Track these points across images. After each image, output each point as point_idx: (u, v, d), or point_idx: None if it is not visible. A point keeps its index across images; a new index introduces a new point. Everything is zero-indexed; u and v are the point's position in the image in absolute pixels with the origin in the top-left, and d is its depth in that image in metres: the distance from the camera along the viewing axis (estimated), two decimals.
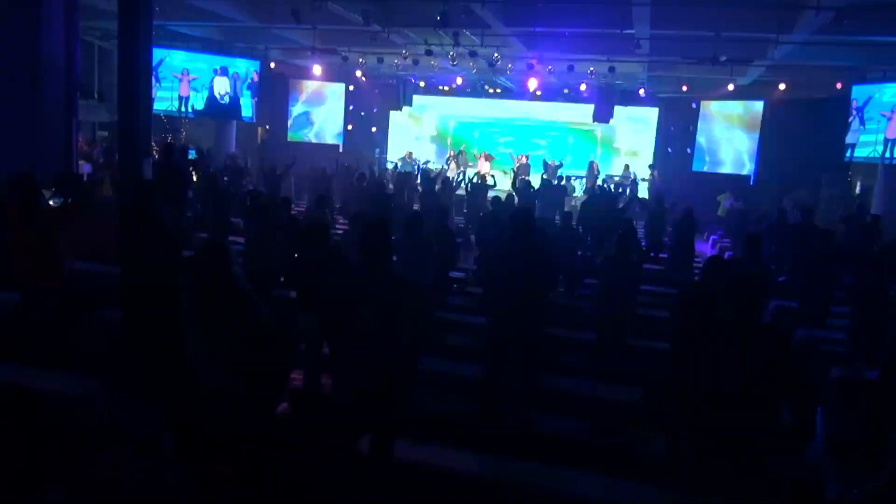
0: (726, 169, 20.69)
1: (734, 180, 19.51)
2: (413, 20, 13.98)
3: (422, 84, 21.52)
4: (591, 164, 21.31)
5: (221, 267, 3.49)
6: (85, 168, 11.30)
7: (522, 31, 14.41)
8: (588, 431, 4.50)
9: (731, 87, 17.76)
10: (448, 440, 4.18)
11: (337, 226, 11.85)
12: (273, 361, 3.59)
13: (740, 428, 3.26)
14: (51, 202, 9.44)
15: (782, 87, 18.26)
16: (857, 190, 19.71)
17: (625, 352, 5.93)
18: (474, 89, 22.06)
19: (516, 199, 13.18)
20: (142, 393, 4.67)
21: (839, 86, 16.76)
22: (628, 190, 17.79)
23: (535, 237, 4.94)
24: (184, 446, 3.85)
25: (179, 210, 8.70)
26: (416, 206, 14.55)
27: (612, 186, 15.98)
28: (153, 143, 15.89)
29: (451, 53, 16.35)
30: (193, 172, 9.89)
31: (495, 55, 16.29)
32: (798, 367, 3.16)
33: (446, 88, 22.17)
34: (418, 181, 16.62)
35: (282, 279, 8.01)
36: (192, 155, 10.76)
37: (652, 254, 11.98)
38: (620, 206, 12.96)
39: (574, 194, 17.93)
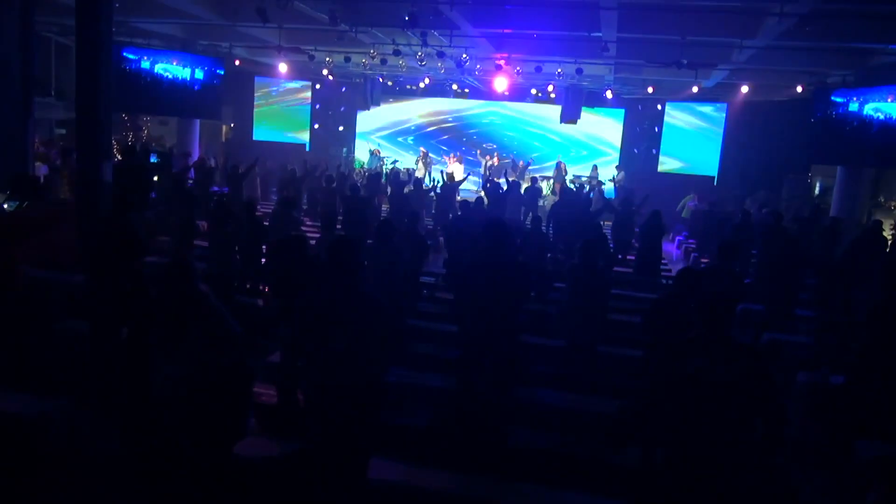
0: (691, 170, 20.97)
1: (698, 181, 19.78)
2: (381, 20, 13.84)
3: (389, 83, 21.38)
4: (558, 165, 21.44)
5: (186, 286, 3.37)
6: (42, 170, 10.93)
7: (491, 32, 14.38)
8: (562, 444, 4.47)
9: (695, 89, 18.00)
10: (419, 456, 4.11)
11: (303, 227, 11.66)
12: (228, 405, 3.46)
13: (713, 443, 3.27)
14: (4, 206, 9.13)
15: (745, 89, 18.56)
16: (817, 190, 20.19)
17: (596, 360, 5.92)
18: (442, 89, 21.98)
19: (486, 201, 13.20)
20: (107, 411, 4.50)
21: (800, 89, 17.09)
22: (595, 192, 17.95)
23: (509, 249, 4.90)
24: (142, 470, 3.72)
25: (141, 214, 8.44)
26: (385, 207, 14.45)
27: (578, 187, 16.03)
28: (114, 143, 15.51)
29: (420, 54, 16.25)
30: (156, 176, 9.62)
31: (464, 56, 16.24)
32: (769, 385, 3.17)
33: (414, 88, 22.05)
34: (385, 181, 16.54)
35: (248, 286, 7.85)
36: (153, 159, 10.46)
37: (619, 256, 12.07)
38: (592, 209, 13.04)
39: (544, 195, 17.97)
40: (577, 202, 12.10)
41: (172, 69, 16.44)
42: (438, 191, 13.90)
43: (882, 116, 13.78)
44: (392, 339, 3.68)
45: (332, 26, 12.62)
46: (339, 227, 10.86)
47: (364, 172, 21.95)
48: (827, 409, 5.80)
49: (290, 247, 5.16)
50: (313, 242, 11.36)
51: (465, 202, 10.36)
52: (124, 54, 16.08)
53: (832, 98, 14.88)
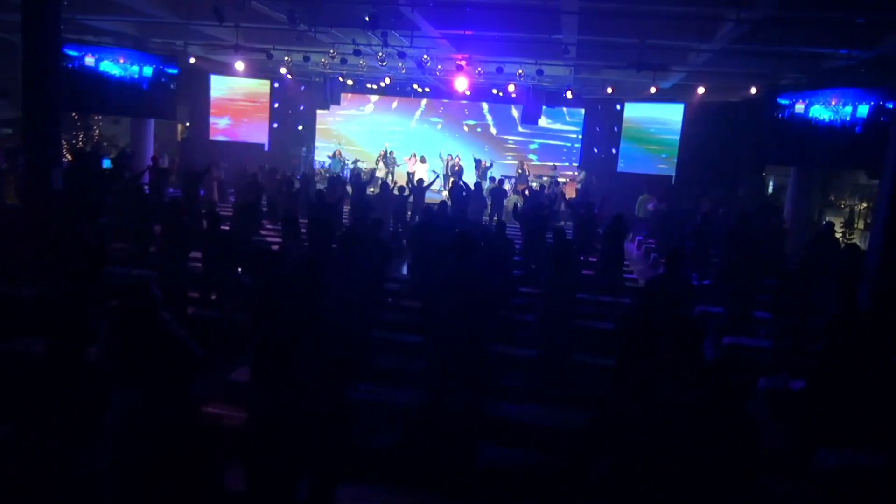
0: (649, 169, 21.25)
1: (656, 181, 20.05)
2: (340, 20, 13.65)
3: (349, 82, 21.13)
4: (520, 163, 21.51)
5: (148, 316, 3.23)
6: None
7: (452, 33, 14.31)
8: (535, 463, 4.44)
9: (653, 90, 18.24)
10: (385, 478, 4.04)
11: (263, 231, 11.45)
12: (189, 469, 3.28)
13: (681, 466, 3.27)
14: None
15: (701, 90, 18.89)
16: (770, 188, 20.70)
17: (569, 370, 5.93)
18: (403, 88, 21.83)
19: (450, 204, 13.14)
20: (58, 437, 4.31)
21: (754, 90, 17.46)
22: (556, 191, 18.05)
23: (476, 262, 4.85)
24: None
25: (94, 223, 8.16)
26: (346, 208, 14.26)
27: (539, 188, 16.08)
28: (63, 143, 14.93)
29: (381, 54, 16.11)
30: (109, 181, 9.30)
31: (424, 56, 16.14)
32: (741, 409, 3.19)
33: (374, 87, 21.85)
34: (348, 182, 16.34)
35: (213, 297, 7.64)
36: (106, 164, 10.10)
37: (582, 257, 12.15)
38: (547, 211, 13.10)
39: (508, 196, 17.97)
40: (540, 205, 12.09)
41: (119, 67, 15.88)
42: (406, 194, 13.76)
43: (827, 119, 14.14)
44: (354, 363, 3.59)
45: (290, 27, 12.37)
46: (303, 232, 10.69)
47: (325, 174, 21.70)
48: (788, 415, 5.91)
49: (266, 262, 5.00)
50: (276, 248, 11.24)
51: (428, 206, 10.25)
52: (65, 51, 15.43)
53: (778, 101, 15.22)
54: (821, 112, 14.37)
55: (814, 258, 8.86)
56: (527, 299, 8.81)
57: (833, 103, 14.17)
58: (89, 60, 15.40)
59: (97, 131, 21.96)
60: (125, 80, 16.08)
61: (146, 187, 11.91)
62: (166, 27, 16.19)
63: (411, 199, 14.16)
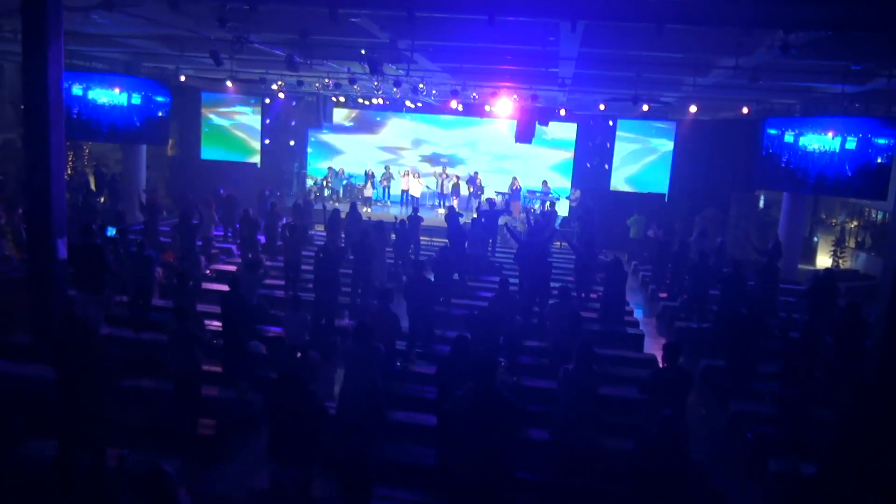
0: (642, 187, 21.31)
1: (649, 199, 20.14)
2: (337, 54, 13.57)
3: (342, 99, 20.98)
4: (513, 180, 21.51)
5: (165, 499, 3.28)
6: None
7: (449, 66, 14.29)
8: None
9: (645, 107, 18.30)
10: None
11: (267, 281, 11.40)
12: None
13: None
14: None
15: (693, 108, 18.96)
16: (762, 204, 20.85)
17: (589, 457, 6.01)
18: (395, 105, 21.75)
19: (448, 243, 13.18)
20: None
21: (746, 110, 17.58)
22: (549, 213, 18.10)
23: (497, 381, 4.88)
24: None
25: (98, 297, 8.12)
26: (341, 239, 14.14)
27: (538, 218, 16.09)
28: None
29: (376, 83, 16.06)
30: (113, 247, 9.24)
31: (420, 86, 16.12)
32: None
33: (367, 102, 21.72)
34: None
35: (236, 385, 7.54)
36: (110, 232, 10.02)
37: (583, 294, 12.25)
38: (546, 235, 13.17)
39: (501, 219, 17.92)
40: (539, 243, 12.10)
41: (110, 94, 15.67)
42: (406, 225, 13.74)
43: (819, 147, 14.29)
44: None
45: (288, 67, 12.28)
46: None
47: (315, 191, 21.61)
48: (798, 502, 6.02)
49: (289, 386, 5.00)
50: (280, 294, 11.19)
51: (421, 264, 10.07)
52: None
53: (769, 129, 15.34)
54: (813, 140, 14.51)
55: (817, 316, 8.99)
56: (535, 359, 8.86)
57: (825, 131, 14.31)
58: (77, 90, 15.19)
59: (87, 151, 21.73)
60: (116, 108, 15.89)
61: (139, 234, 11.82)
62: (158, 55, 16.02)
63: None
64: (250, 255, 11.68)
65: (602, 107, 19.65)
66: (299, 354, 7.93)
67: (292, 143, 23.77)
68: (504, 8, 8.03)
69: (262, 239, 13.84)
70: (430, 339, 9.29)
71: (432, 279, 10.43)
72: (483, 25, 8.22)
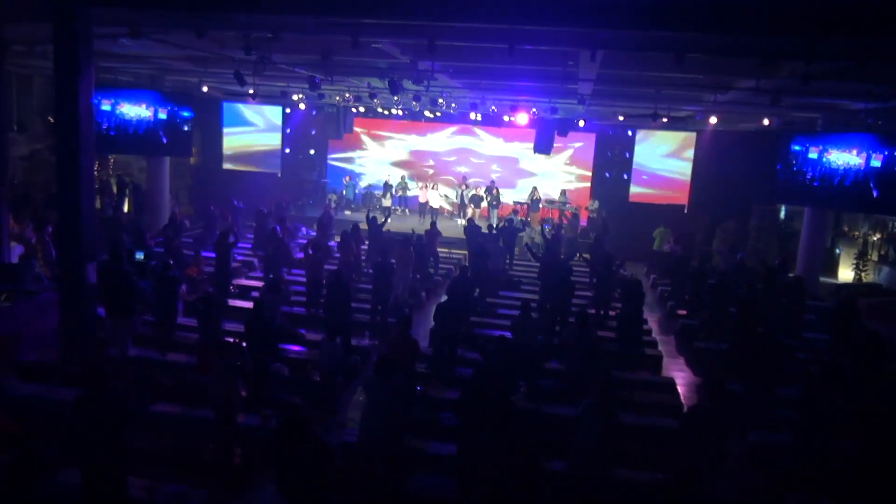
0: (661, 198, 21.20)
1: (670, 210, 20.08)
2: (358, 72, 13.72)
3: (362, 109, 21.13)
4: (533, 190, 21.51)
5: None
6: (17, 250, 10.64)
7: (468, 82, 14.38)
8: None
9: (665, 119, 18.26)
10: None
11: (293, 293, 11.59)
12: None
13: None
14: None
15: (714, 120, 18.88)
16: (783, 215, 20.66)
17: (611, 489, 6.08)
18: (413, 113, 21.84)
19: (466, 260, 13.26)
20: None
21: (767, 122, 17.47)
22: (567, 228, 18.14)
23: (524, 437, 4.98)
24: None
25: (126, 321, 8.32)
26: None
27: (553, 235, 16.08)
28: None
29: (396, 98, 16.20)
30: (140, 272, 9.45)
31: (440, 101, 16.24)
32: None
33: (386, 112, 21.84)
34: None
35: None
36: (139, 256, 10.25)
37: (601, 312, 12.30)
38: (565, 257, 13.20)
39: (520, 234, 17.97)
40: (559, 263, 12.14)
41: (137, 109, 16.00)
42: (424, 241, 13.82)
43: (844, 165, 14.15)
44: None
45: (311, 88, 12.45)
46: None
47: (335, 200, 21.80)
48: None
49: (290, 430, 5.14)
50: (301, 311, 11.33)
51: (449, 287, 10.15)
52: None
53: (793, 146, 15.20)
54: (837, 157, 14.38)
55: (837, 342, 8.95)
56: (555, 383, 8.90)
57: (850, 149, 14.17)
58: (105, 107, 15.52)
59: (112, 160, 22.09)
60: (143, 122, 16.19)
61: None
62: (183, 70, 16.30)
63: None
64: (271, 276, 11.85)
65: (621, 118, 19.72)
66: (323, 381, 8.08)
67: (312, 151, 23.98)
68: (524, 38, 8.12)
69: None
70: (453, 362, 9.40)
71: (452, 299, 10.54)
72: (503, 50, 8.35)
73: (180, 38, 9.91)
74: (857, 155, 14.02)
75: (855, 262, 18.33)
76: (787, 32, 6.46)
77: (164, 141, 15.98)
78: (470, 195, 21.46)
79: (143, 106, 15.86)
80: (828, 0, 6.23)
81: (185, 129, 16.68)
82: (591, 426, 6.04)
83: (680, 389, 9.46)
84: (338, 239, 17.73)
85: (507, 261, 15.79)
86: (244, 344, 7.94)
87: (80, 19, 7.50)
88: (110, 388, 5.53)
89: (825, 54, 7.60)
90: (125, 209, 19.96)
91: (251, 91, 17.03)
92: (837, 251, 19.57)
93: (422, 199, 21.33)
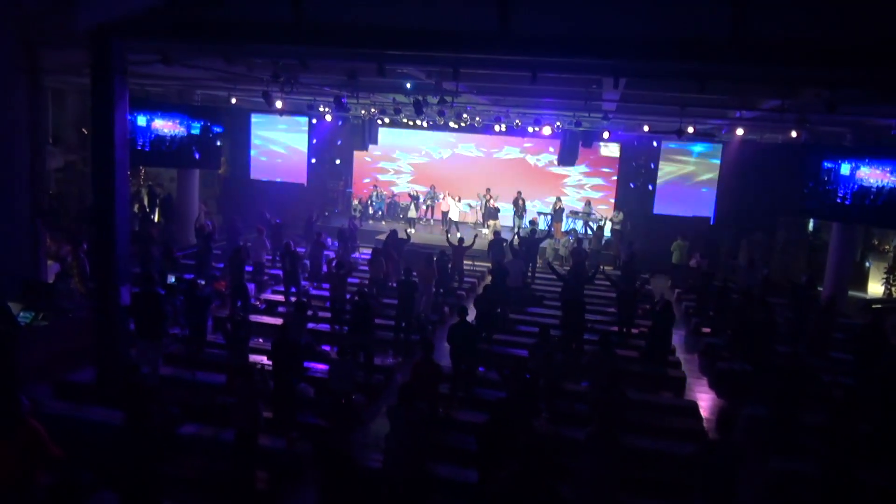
0: (687, 210, 21.02)
1: (694, 222, 19.92)
2: (383, 88, 13.89)
3: (386, 120, 21.32)
4: (556, 200, 21.50)
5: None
6: (53, 268, 10.98)
7: (493, 98, 14.49)
8: None
9: (690, 129, 18.14)
10: None
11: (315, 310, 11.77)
12: None
13: None
14: (20, 317, 9.22)
15: (740, 131, 18.70)
16: (811, 227, 20.38)
17: None
18: (437, 126, 21.97)
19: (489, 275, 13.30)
20: None
21: (795, 134, 17.27)
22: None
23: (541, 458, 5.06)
24: None
25: (157, 343, 8.57)
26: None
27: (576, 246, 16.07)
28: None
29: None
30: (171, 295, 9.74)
31: (464, 115, 16.35)
32: None
33: (411, 123, 21.99)
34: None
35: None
36: (171, 279, 10.54)
37: (624, 329, 12.29)
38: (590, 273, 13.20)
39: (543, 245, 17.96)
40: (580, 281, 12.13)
41: (170, 125, 16.39)
42: (445, 257, 13.86)
43: (877, 182, 13.89)
44: None
45: (336, 108, 12.65)
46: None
47: (359, 209, 22.03)
48: None
49: (338, 463, 5.26)
50: (326, 328, 11.52)
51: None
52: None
53: (824, 164, 14.94)
54: (869, 174, 14.11)
55: (863, 367, 8.85)
56: (575, 405, 8.95)
57: (883, 167, 13.89)
58: (141, 121, 15.92)
59: (143, 171, 22.60)
60: (178, 138, 16.57)
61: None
62: (211, 86, 16.65)
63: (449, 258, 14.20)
64: (294, 295, 12.08)
65: (646, 128, 19.65)
66: (343, 401, 8.23)
67: (338, 161, 24.23)
68: (547, 67, 8.20)
69: (307, 263, 14.23)
70: (472, 382, 9.50)
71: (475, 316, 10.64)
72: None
73: (210, 62, 10.16)
74: (892, 173, 13.72)
75: (885, 276, 18.04)
76: (810, 64, 6.45)
77: (197, 156, 16.33)
78: (492, 206, 21.48)
79: (177, 122, 16.25)
80: (849, 32, 6.23)
81: (217, 143, 17.04)
82: (594, 456, 6.06)
83: (703, 414, 9.45)
84: (361, 251, 18.04)
85: (529, 273, 15.78)
86: (271, 363, 8.16)
87: (116, 54, 7.76)
88: (149, 413, 5.75)
89: (849, 82, 7.57)
90: (155, 219, 20.44)
91: (279, 104, 17.42)
92: (867, 265, 19.25)
93: (443, 209, 21.45)
